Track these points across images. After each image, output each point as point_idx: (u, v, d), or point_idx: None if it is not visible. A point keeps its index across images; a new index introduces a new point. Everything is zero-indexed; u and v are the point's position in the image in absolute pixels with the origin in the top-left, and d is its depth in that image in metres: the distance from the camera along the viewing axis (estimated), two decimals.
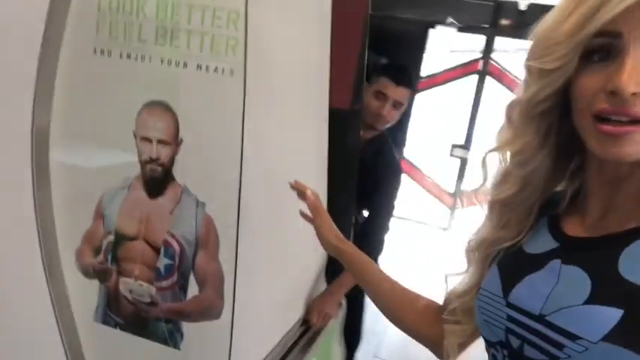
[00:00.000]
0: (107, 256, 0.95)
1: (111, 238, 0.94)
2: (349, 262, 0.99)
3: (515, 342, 0.67)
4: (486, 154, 0.73)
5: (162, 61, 0.84)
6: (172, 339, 0.94)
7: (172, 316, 0.93)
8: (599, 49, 0.57)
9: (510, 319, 0.69)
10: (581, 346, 0.58)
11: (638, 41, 0.54)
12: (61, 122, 0.90)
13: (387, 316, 0.96)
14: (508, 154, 0.70)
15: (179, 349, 0.94)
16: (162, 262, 0.91)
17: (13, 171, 0.90)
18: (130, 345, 0.97)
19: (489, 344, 0.73)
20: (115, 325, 0.97)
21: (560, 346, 0.60)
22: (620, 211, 0.64)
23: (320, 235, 1.00)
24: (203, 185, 0.87)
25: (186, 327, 0.93)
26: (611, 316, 0.56)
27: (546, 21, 0.62)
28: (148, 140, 0.87)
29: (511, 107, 0.68)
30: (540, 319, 0.63)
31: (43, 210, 0.91)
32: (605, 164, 0.62)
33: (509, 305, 0.69)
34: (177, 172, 0.88)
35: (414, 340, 0.93)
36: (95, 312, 0.98)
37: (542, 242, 0.71)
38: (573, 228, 0.70)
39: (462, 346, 0.82)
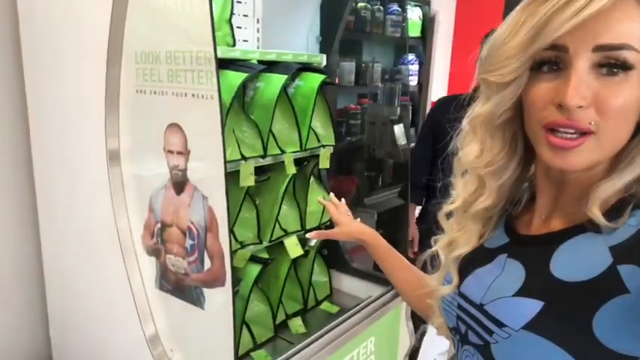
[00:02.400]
0: (157, 238, 1.29)
1: (159, 225, 1.27)
2: (370, 250, 1.20)
3: (462, 328, 0.75)
4: (462, 174, 0.77)
5: (173, 94, 1.15)
6: (199, 301, 1.24)
7: (197, 284, 1.23)
8: (548, 60, 0.61)
9: (460, 307, 0.76)
10: (506, 333, 0.64)
11: (584, 55, 0.57)
12: (123, 144, 1.28)
13: (398, 289, 1.16)
14: (481, 168, 0.73)
15: (203, 309, 1.23)
16: (188, 242, 1.21)
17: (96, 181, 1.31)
18: (176, 305, 1.29)
19: (449, 329, 0.82)
20: (167, 291, 1.31)
21: (490, 332, 0.67)
22: (563, 211, 0.69)
23: (340, 225, 1.27)
24: (205, 184, 1.15)
25: (207, 292, 1.22)
26: (532, 307, 0.62)
27: (498, 34, 0.65)
28: (171, 152, 1.18)
29: (473, 121, 0.72)
30: (480, 307, 0.70)
31: (119, 210, 1.30)
32: (552, 168, 0.66)
33: (460, 294, 0.77)
34: (190, 174, 1.17)
35: None
36: (155, 281, 1.32)
37: (497, 238, 0.78)
38: (524, 226, 0.76)
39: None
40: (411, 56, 4.02)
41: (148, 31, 1.18)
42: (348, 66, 3.25)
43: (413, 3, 3.98)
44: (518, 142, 0.72)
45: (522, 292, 0.64)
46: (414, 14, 3.98)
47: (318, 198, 1.50)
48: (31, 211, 1.61)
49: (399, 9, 3.78)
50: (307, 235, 1.26)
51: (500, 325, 0.65)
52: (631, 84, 0.58)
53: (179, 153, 1.17)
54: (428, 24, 4.09)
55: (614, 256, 0.57)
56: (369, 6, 3.36)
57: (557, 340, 0.58)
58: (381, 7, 3.46)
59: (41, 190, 1.57)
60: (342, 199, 1.42)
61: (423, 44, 4.08)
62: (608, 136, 0.59)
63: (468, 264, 0.77)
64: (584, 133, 0.59)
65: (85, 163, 1.38)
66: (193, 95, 1.11)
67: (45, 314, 1.69)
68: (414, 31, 3.98)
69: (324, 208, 2.00)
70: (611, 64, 0.57)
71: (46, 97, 1.46)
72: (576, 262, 0.61)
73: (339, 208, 1.32)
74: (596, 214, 0.60)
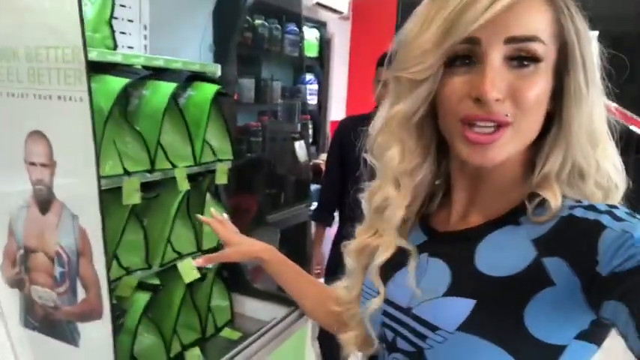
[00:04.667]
0: (20, 267, 1.09)
1: (21, 252, 1.08)
2: (268, 267, 1.07)
3: (389, 335, 0.70)
4: (378, 185, 0.74)
5: (34, 96, 0.98)
6: (73, 338, 1.06)
7: (70, 317, 1.05)
8: (461, 54, 0.60)
9: (385, 313, 0.71)
10: (441, 337, 0.61)
11: (496, 48, 0.58)
12: None
13: (301, 306, 1.06)
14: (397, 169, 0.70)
15: (78, 346, 1.05)
16: (57, 270, 1.04)
17: None
18: (45, 344, 1.10)
19: (376, 339, 0.75)
20: (34, 329, 1.11)
21: (423, 338, 0.63)
22: (481, 206, 0.68)
23: (231, 245, 1.10)
24: (76, 201, 0.99)
25: (81, 326, 1.04)
26: (464, 306, 0.60)
27: (408, 29, 0.64)
28: (33, 164, 1.01)
29: (389, 122, 0.69)
30: (408, 311, 0.67)
31: None
32: (468, 163, 0.64)
33: (385, 300, 0.72)
34: (57, 190, 1.01)
35: None
36: (19, 317, 1.12)
37: (414, 238, 0.74)
38: (441, 223, 0.73)
39: (365, 350, 0.80)
40: (309, 76, 4.04)
41: (4, 24, 1.01)
42: (248, 83, 3.17)
43: (310, 24, 4.01)
44: (432, 139, 0.70)
45: (452, 292, 0.63)
46: (311, 35, 4.00)
47: (197, 215, 1.26)
48: None
49: (297, 29, 3.79)
50: (193, 263, 1.05)
51: (433, 328, 0.62)
52: (541, 75, 0.59)
53: (43, 165, 1.01)
54: (324, 45, 4.14)
55: (537, 249, 0.58)
56: (267, 24, 3.32)
57: (492, 338, 0.57)
58: (279, 26, 3.43)
59: None
60: (225, 215, 1.26)
61: (321, 65, 4.12)
62: (524, 127, 0.60)
63: (388, 267, 0.73)
64: (499, 126, 0.59)
65: None
66: (59, 98, 0.96)
67: None
68: (312, 51, 4.00)
69: None
70: (522, 56, 0.58)
71: None
72: (501, 256, 0.61)
73: (225, 226, 1.15)
74: (557, 193, 0.61)
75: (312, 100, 4.06)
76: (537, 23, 0.58)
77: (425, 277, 0.67)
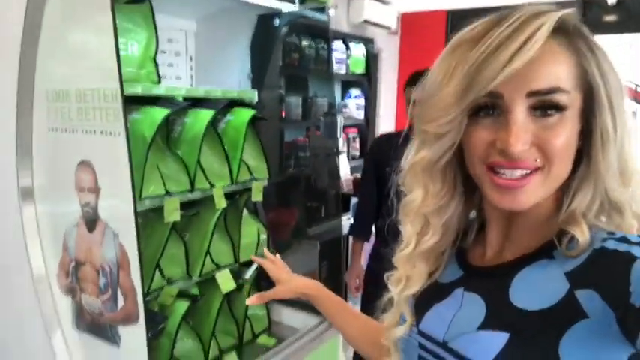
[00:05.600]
0: (72, 277, 1.27)
1: (73, 264, 1.26)
2: (317, 302, 1.08)
3: None
4: (405, 221, 0.75)
5: (82, 132, 1.16)
6: (114, 340, 1.22)
7: (112, 322, 1.21)
8: (484, 106, 0.60)
9: (421, 346, 0.72)
10: None
11: (519, 101, 0.58)
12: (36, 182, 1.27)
13: (350, 342, 1.07)
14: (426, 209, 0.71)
15: (119, 347, 1.21)
16: (102, 280, 1.20)
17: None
18: (92, 344, 1.27)
19: None
20: (84, 330, 1.28)
21: None
22: (515, 242, 0.68)
23: (281, 283, 1.13)
24: (116, 221, 1.15)
25: (121, 330, 1.20)
26: (498, 339, 0.60)
27: (431, 81, 0.64)
28: (82, 190, 1.18)
29: (413, 167, 0.71)
30: (444, 345, 0.67)
31: (33, 249, 1.29)
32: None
33: (420, 333, 0.73)
34: (101, 212, 1.17)
35: None
36: (72, 320, 1.30)
37: (451, 272, 0.75)
38: (477, 258, 0.74)
39: None
40: (356, 91, 4.14)
41: (58, 69, 1.19)
42: (295, 100, 3.33)
43: (357, 41, 4.12)
44: (458, 179, 0.71)
45: (486, 325, 0.63)
46: (359, 51, 4.11)
47: (252, 255, 1.34)
48: None
49: (344, 46, 3.91)
50: (247, 302, 1.12)
51: None
52: (566, 123, 0.58)
53: (89, 190, 1.18)
54: (372, 61, 4.23)
55: (570, 282, 0.58)
56: (314, 44, 3.46)
57: None
58: (325, 46, 3.57)
59: None
60: (277, 255, 1.28)
61: (368, 80, 4.21)
62: (554, 171, 0.60)
63: (425, 301, 0.75)
64: (530, 172, 0.59)
65: None
66: (102, 132, 1.12)
67: None
68: (359, 67, 4.10)
69: (258, 238, 2.01)
70: (545, 106, 0.58)
71: None
72: (535, 290, 0.61)
73: (276, 264, 1.19)
74: (584, 229, 0.60)
75: (360, 114, 4.15)
76: (559, 73, 0.58)
77: (460, 310, 0.68)
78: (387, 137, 2.47)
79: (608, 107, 0.59)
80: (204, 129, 1.62)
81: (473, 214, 0.79)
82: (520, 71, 0.56)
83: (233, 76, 2.07)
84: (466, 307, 0.68)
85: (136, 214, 1.10)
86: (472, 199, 0.74)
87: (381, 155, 2.35)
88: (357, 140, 4.24)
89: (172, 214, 1.53)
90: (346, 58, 3.95)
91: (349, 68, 3.97)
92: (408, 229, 0.74)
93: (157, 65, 1.61)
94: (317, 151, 3.07)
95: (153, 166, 1.52)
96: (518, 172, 0.59)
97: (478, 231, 0.77)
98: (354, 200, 2.96)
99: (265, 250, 1.25)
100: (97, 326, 1.25)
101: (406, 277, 0.76)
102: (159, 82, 1.62)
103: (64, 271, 1.28)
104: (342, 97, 4.15)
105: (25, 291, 1.31)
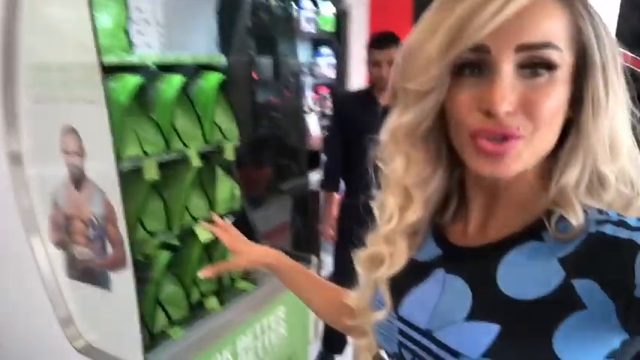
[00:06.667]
0: (63, 231, 1.42)
1: (63, 219, 1.41)
2: (278, 273, 1.01)
3: (407, 356, 0.67)
4: (386, 194, 0.70)
5: (66, 100, 1.28)
6: (106, 284, 1.39)
7: (102, 268, 1.38)
8: (469, 63, 0.56)
9: (402, 332, 0.68)
10: None
11: (507, 56, 0.53)
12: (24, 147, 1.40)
13: (313, 311, 1.00)
14: (408, 181, 0.67)
15: (111, 291, 1.38)
16: (91, 232, 1.36)
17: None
18: (86, 290, 1.43)
19: (388, 355, 0.73)
20: (77, 278, 1.45)
21: None
22: (500, 219, 0.64)
23: (237, 253, 1.02)
24: (101, 180, 1.30)
25: (112, 275, 1.37)
26: (489, 332, 0.56)
27: (413, 38, 0.60)
28: (68, 153, 1.32)
29: (394, 133, 0.66)
30: (428, 334, 0.63)
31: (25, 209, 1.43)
32: (482, 176, 0.60)
33: (400, 319, 0.68)
34: (87, 172, 1.32)
35: None
36: (64, 270, 1.46)
37: (428, 250, 0.70)
38: (456, 236, 0.69)
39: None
40: (326, 50, 4.23)
41: (39, 43, 1.31)
42: (266, 62, 3.43)
43: None
44: (442, 148, 0.67)
45: (474, 316, 0.59)
46: (328, 9, 4.17)
47: (201, 222, 1.16)
48: None
49: (312, 4, 3.98)
50: (199, 275, 1.03)
51: (455, 354, 0.59)
52: (557, 85, 0.54)
53: (75, 153, 1.31)
54: (342, 19, 4.30)
55: (565, 270, 0.54)
56: (282, 3, 3.53)
57: None
58: (293, 3, 3.63)
59: None
60: (227, 220, 1.22)
61: (338, 39, 4.29)
62: (538, 140, 0.55)
63: (400, 281, 0.70)
64: (510, 138, 0.55)
65: None
66: (83, 101, 1.25)
67: None
68: (328, 26, 4.18)
69: (233, 195, 2.18)
70: (535, 64, 0.53)
71: None
72: (525, 277, 0.57)
73: (229, 233, 1.07)
74: (577, 210, 0.56)
75: (330, 73, 4.26)
76: (552, 28, 0.53)
77: (443, 297, 0.64)
78: (349, 94, 2.62)
79: (601, 72, 0.55)
80: (176, 93, 1.75)
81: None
82: (510, 23, 0.52)
83: (202, 41, 2.17)
84: (449, 293, 0.63)
85: (119, 172, 1.25)
86: (452, 174, 0.70)
87: (345, 111, 2.51)
88: (328, 99, 4.37)
89: (151, 172, 1.68)
90: (315, 16, 4.02)
91: (318, 27, 4.05)
92: (390, 204, 0.69)
93: (128, 35, 1.72)
94: (287, 111, 3.20)
95: (130, 130, 1.66)
96: (500, 138, 0.55)
97: (457, 207, 0.72)
98: (324, 157, 3.12)
99: (213, 215, 1.12)
100: (89, 273, 1.41)
101: (389, 256, 0.71)
102: (131, 50, 1.73)
103: (56, 226, 1.43)
104: (313, 56, 4.24)
105: (22, 249, 1.45)
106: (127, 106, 1.57)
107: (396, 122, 0.65)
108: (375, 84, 2.36)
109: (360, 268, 0.75)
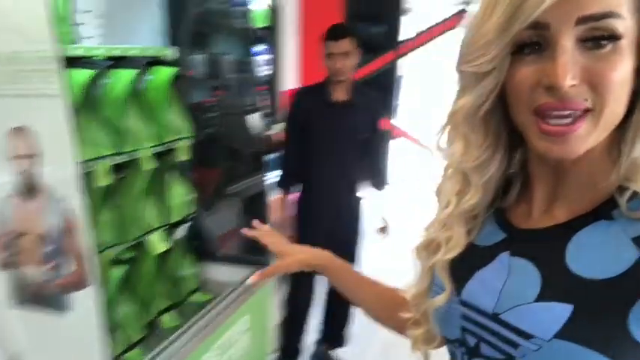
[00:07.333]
0: (10, 250, 1.22)
1: (10, 236, 1.21)
2: (331, 273, 0.98)
3: (471, 340, 0.66)
4: (444, 180, 0.70)
5: (16, 96, 1.10)
6: (64, 306, 1.21)
7: (60, 289, 1.20)
8: (529, 41, 0.54)
9: (465, 317, 0.67)
10: (535, 345, 0.56)
11: (567, 31, 0.52)
12: None
13: (365, 310, 0.97)
14: (467, 165, 0.66)
15: (69, 312, 1.21)
16: (47, 248, 1.18)
17: None
18: (36, 317, 1.24)
19: (448, 341, 0.72)
20: (24, 304, 1.25)
21: (515, 345, 0.59)
22: (566, 200, 0.62)
23: (284, 255, 0.98)
24: (59, 186, 1.13)
25: (71, 296, 1.20)
26: (561, 312, 0.55)
27: (473, 20, 0.59)
28: (17, 157, 1.14)
29: (453, 116, 0.65)
30: (494, 317, 0.62)
31: None
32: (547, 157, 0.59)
33: (463, 303, 0.67)
34: (42, 177, 1.14)
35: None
36: (9, 298, 1.26)
37: (491, 234, 0.69)
38: (520, 218, 0.68)
39: (432, 346, 0.77)
40: (260, 47, 4.12)
41: None
42: (200, 59, 3.25)
43: None
44: (502, 131, 0.65)
45: (545, 297, 0.57)
46: (262, 4, 4.07)
47: (245, 230, 1.07)
48: None
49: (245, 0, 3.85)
50: (249, 281, 0.99)
51: (526, 336, 0.58)
52: (622, 55, 0.52)
53: (27, 157, 1.13)
54: (276, 14, 4.21)
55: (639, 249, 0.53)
56: None
57: (593, 346, 0.53)
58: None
59: None
60: (267, 225, 1.09)
61: (272, 34, 4.20)
62: (607, 112, 0.53)
63: (463, 266, 0.69)
64: (579, 115, 0.53)
65: None
66: (39, 95, 1.08)
67: None
68: (262, 21, 4.07)
69: (186, 198, 2.01)
70: (597, 36, 0.51)
71: None
72: (596, 256, 0.56)
73: (273, 235, 1.04)
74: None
75: (267, 70, 4.15)
76: None
77: (510, 279, 0.63)
78: (309, 89, 2.55)
79: None
80: (127, 89, 1.58)
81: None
82: None
83: (144, 34, 1.99)
84: (516, 275, 0.62)
85: (79, 176, 1.10)
86: (513, 156, 0.69)
87: (305, 107, 2.44)
88: (268, 98, 4.25)
89: (104, 177, 1.50)
90: (248, 12, 3.89)
91: (251, 23, 3.93)
92: (447, 189, 0.69)
93: (72, 25, 1.53)
94: (227, 110, 3.05)
95: (80, 130, 1.47)
96: (567, 113, 0.53)
97: (520, 189, 0.70)
98: (271, 157, 3.01)
99: (256, 222, 1.06)
100: (42, 296, 1.23)
101: (446, 241, 0.70)
102: (76, 42, 1.54)
103: (0, 245, 1.23)
104: (246, 55, 4.11)
105: None
106: (77, 104, 1.38)
107: (455, 106, 0.64)
108: (330, 77, 2.32)
109: (416, 257, 0.75)
